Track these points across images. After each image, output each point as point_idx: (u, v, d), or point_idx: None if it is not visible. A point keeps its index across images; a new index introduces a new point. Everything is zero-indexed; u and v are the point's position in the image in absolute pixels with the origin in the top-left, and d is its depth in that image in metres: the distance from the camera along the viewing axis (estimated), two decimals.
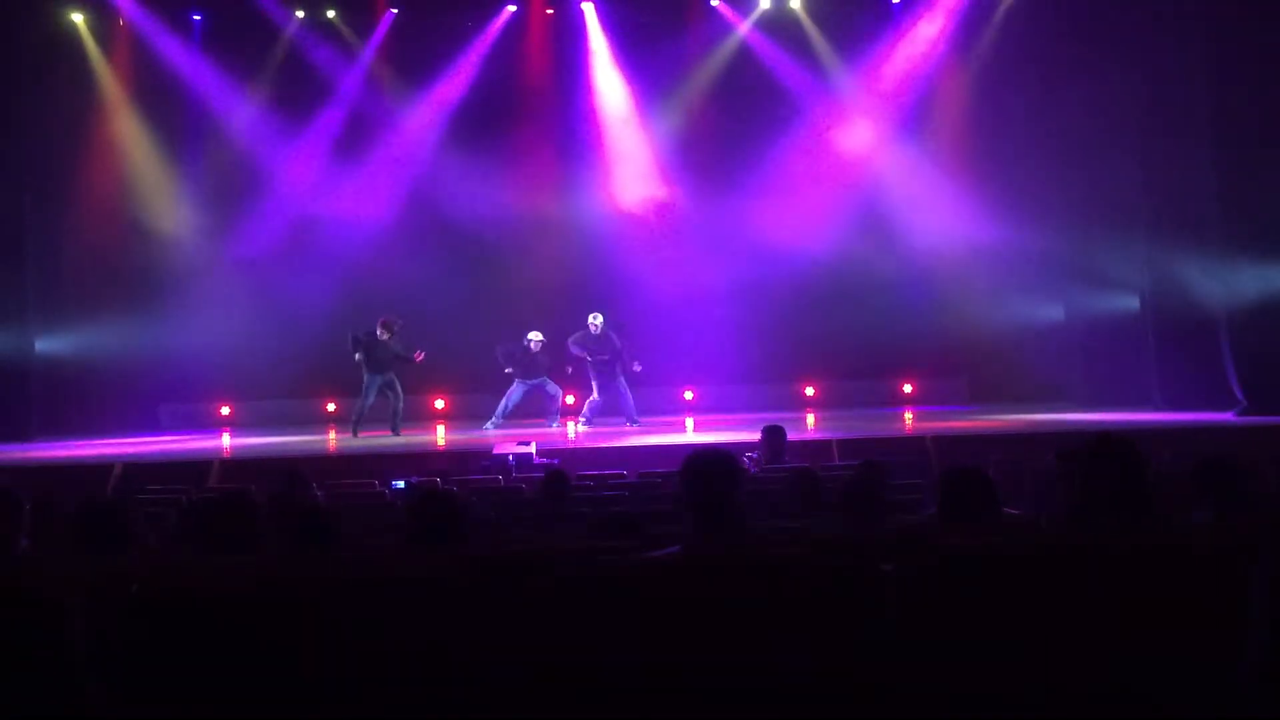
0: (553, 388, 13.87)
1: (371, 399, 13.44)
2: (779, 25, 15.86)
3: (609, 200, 16.11)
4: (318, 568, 3.51)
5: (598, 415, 13.82)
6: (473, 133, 15.83)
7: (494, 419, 13.66)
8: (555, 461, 9.84)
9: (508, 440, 11.22)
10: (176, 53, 15.33)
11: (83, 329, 14.88)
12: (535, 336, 13.75)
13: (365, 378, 13.40)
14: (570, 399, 14.59)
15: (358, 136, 15.77)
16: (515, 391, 13.74)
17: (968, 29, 15.51)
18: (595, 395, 13.84)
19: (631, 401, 13.85)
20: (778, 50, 15.85)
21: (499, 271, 15.58)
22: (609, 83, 16.05)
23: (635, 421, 13.65)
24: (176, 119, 15.58)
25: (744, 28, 15.94)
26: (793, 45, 15.82)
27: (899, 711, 2.94)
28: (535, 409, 13.95)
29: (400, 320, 13.48)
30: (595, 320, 13.77)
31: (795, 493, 6.29)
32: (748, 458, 8.99)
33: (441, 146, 15.83)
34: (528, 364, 13.74)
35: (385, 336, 13.37)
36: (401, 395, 13.52)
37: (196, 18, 15.33)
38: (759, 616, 2.95)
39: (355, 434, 13.36)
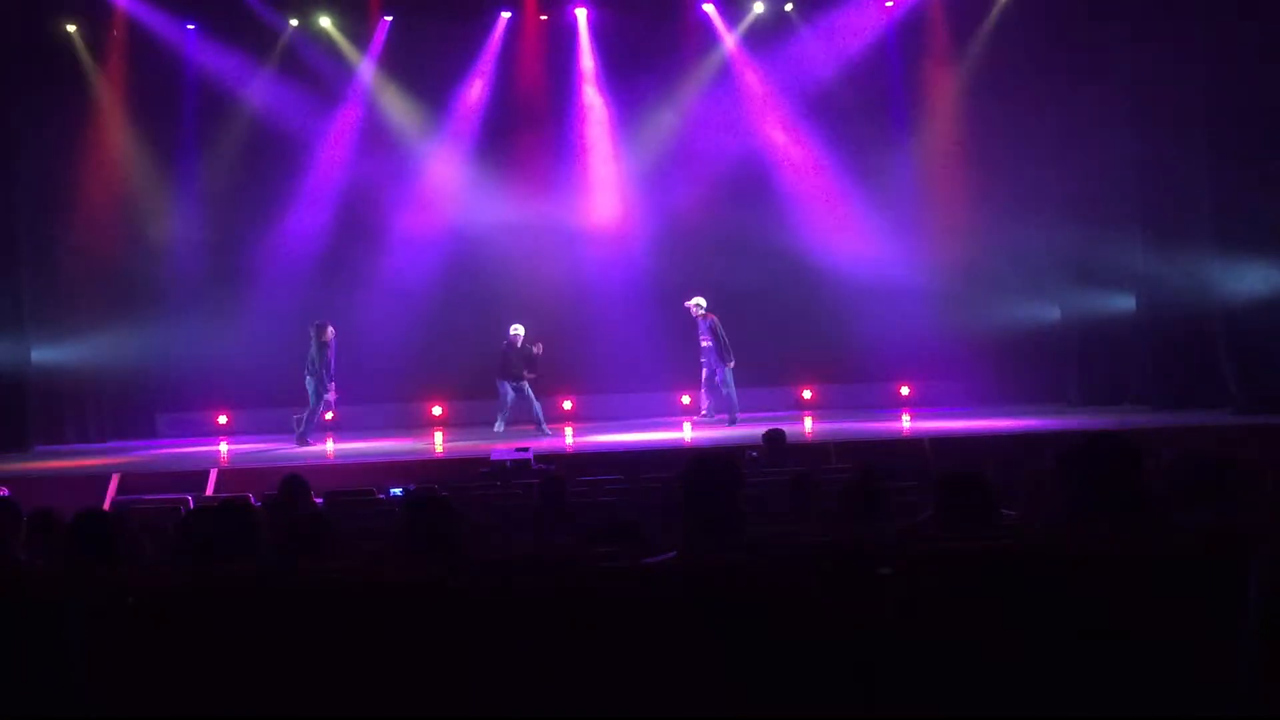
0: (527, 394, 13.89)
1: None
2: (772, 30, 15.86)
3: (605, 206, 16.10)
4: (314, 575, 3.50)
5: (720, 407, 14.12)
6: (469, 139, 15.86)
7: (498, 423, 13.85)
8: (552, 467, 9.84)
9: (505, 446, 11.24)
10: (171, 61, 15.34)
11: (79, 338, 14.84)
12: (515, 330, 13.90)
13: (317, 384, 13.40)
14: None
15: (352, 144, 15.76)
16: (503, 393, 13.92)
17: (962, 30, 15.53)
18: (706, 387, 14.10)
19: (729, 398, 14.00)
20: (771, 54, 15.85)
21: (494, 277, 15.55)
22: (603, 88, 16.06)
23: (733, 420, 13.81)
24: (171, 127, 15.57)
25: (737, 33, 15.95)
26: (787, 49, 15.83)
27: (898, 714, 2.94)
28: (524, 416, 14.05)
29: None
30: (698, 303, 14.00)
31: (793, 496, 6.30)
32: (751, 456, 9.02)
33: (437, 154, 15.83)
34: (509, 361, 13.88)
35: (327, 338, 13.48)
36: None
37: (190, 26, 15.32)
38: (757, 620, 2.95)
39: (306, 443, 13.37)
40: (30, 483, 10.49)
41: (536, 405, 13.84)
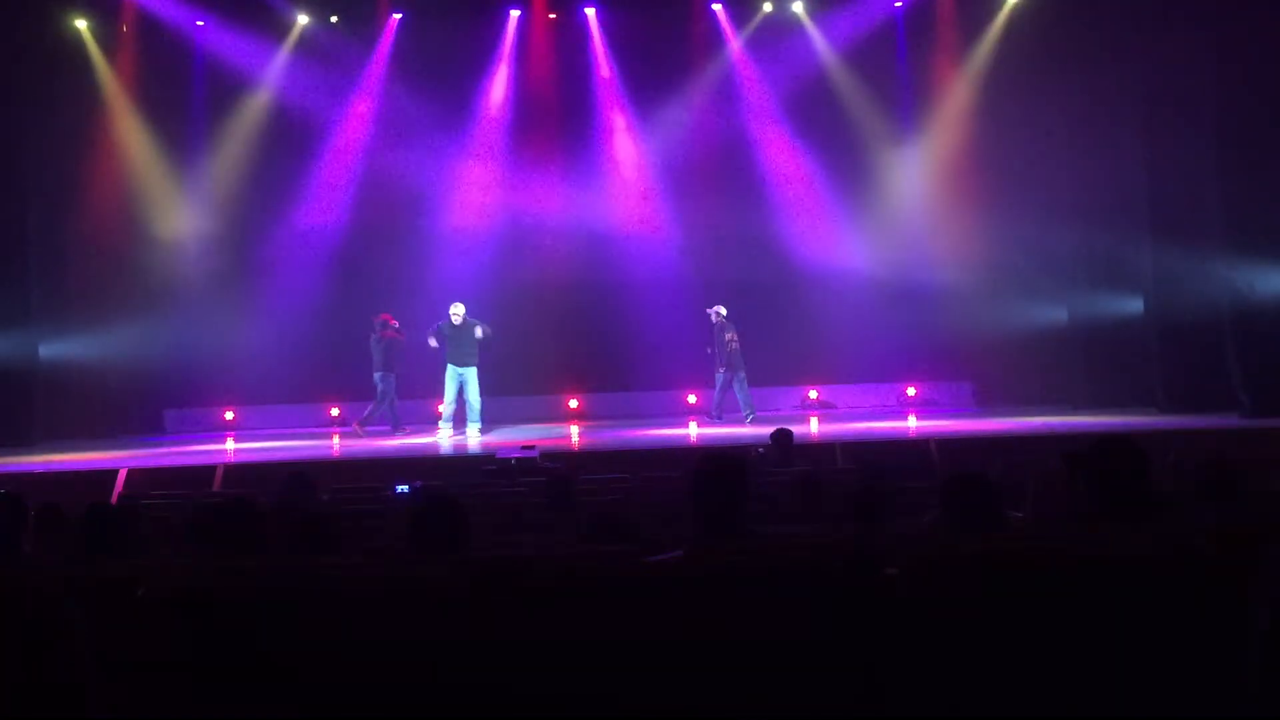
0: (470, 391, 13.60)
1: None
2: (780, 29, 15.85)
3: (614, 206, 16.09)
4: (321, 573, 3.51)
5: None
6: (479, 138, 15.89)
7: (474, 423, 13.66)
8: (559, 465, 9.85)
9: (511, 444, 11.24)
10: (181, 57, 15.38)
11: (87, 334, 14.88)
12: (455, 310, 13.47)
13: (388, 376, 13.64)
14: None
15: (360, 141, 15.78)
16: (449, 383, 13.56)
17: (970, 31, 15.51)
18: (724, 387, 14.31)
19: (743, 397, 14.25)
20: (777, 54, 15.84)
21: (498, 275, 15.55)
22: (611, 88, 16.07)
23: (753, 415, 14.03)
24: (181, 123, 15.61)
25: (745, 33, 15.95)
26: (793, 48, 15.81)
27: (903, 714, 2.94)
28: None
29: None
30: (719, 311, 14.21)
31: (799, 496, 6.30)
32: (757, 453, 9.04)
33: (447, 151, 15.83)
34: (454, 342, 13.43)
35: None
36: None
37: (200, 23, 15.34)
38: (762, 620, 2.96)
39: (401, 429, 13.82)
40: (37, 479, 10.51)
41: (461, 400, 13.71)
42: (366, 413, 13.83)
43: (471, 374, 13.48)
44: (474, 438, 13.28)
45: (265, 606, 3.10)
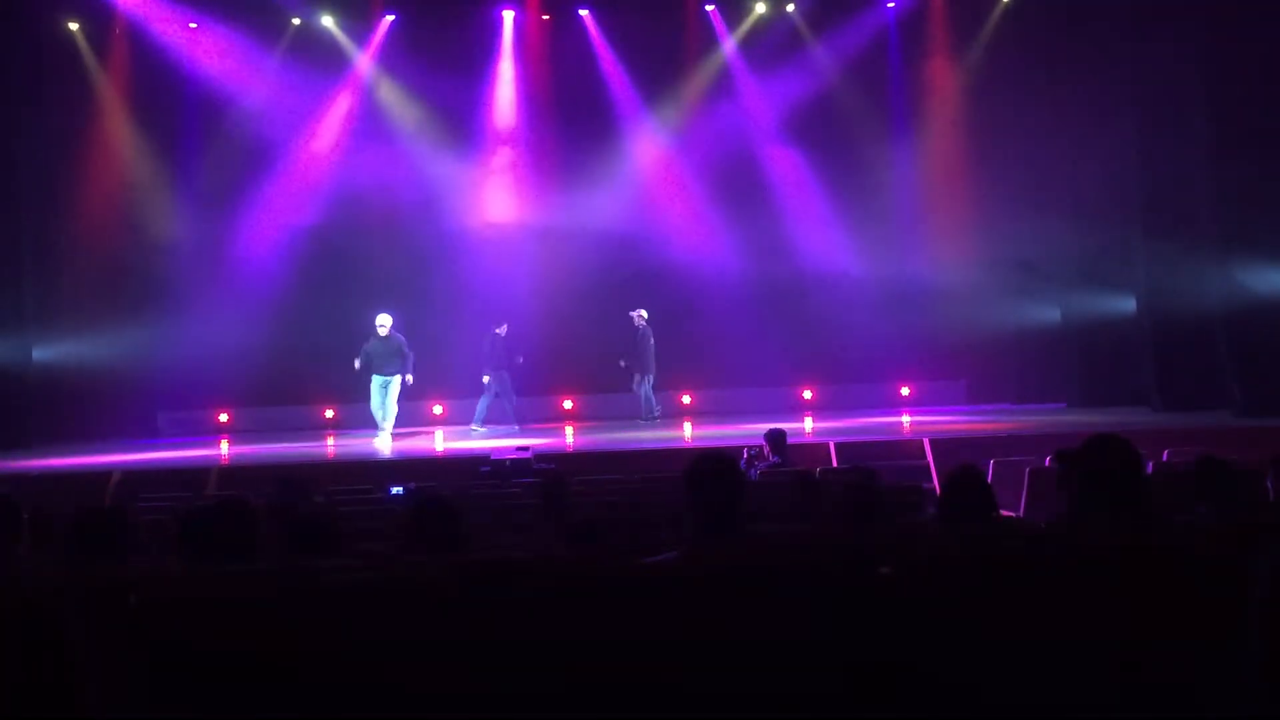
0: (390, 398, 13.60)
1: None
2: (774, 31, 15.87)
3: (608, 206, 16.07)
4: (317, 574, 3.51)
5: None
6: (469, 138, 15.88)
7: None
8: (553, 467, 9.85)
9: (506, 446, 11.24)
10: (173, 59, 15.36)
11: (80, 337, 14.84)
12: (382, 321, 13.52)
13: (500, 374, 13.95)
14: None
15: (353, 142, 15.77)
16: (375, 391, 13.58)
17: (963, 31, 15.54)
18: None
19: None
20: (772, 55, 15.86)
21: (494, 276, 15.56)
22: (605, 90, 16.08)
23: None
24: (173, 125, 15.59)
25: (738, 35, 15.96)
26: (788, 50, 15.84)
27: (899, 714, 2.94)
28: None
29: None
30: (641, 314, 14.55)
31: (794, 496, 6.30)
32: (750, 454, 9.04)
33: (437, 153, 15.82)
34: (379, 354, 13.49)
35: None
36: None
37: (193, 25, 15.33)
38: (757, 620, 2.96)
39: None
40: (31, 481, 10.48)
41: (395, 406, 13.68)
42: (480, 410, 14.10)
43: (395, 382, 13.53)
44: (384, 443, 13.23)
45: (261, 608, 3.09)
